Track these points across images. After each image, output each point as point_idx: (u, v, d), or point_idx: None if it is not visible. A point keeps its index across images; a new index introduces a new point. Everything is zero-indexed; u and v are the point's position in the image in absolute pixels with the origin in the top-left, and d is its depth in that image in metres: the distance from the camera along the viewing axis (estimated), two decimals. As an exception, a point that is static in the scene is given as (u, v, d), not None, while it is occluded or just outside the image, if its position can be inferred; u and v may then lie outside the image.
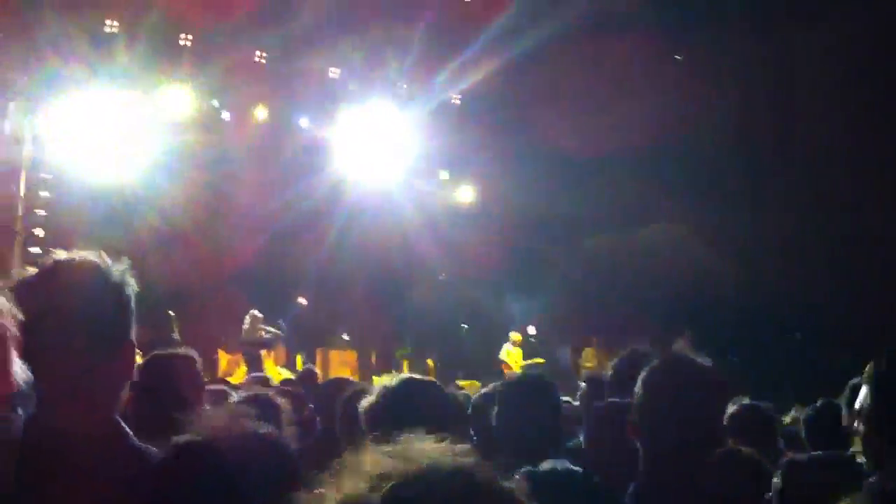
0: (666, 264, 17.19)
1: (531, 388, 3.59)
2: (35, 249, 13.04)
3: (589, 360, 15.87)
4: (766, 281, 15.85)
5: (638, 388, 2.67)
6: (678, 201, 17.91)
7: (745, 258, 16.24)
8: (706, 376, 2.68)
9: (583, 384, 4.93)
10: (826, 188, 15.60)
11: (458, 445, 1.03)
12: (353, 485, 0.97)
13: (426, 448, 1.01)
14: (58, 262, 2.07)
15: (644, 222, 17.97)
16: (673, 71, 17.60)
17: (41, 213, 13.97)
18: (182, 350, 3.82)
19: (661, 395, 2.62)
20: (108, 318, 2.02)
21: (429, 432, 1.07)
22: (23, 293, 1.89)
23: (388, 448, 1.01)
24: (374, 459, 1.00)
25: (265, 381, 7.89)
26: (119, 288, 2.05)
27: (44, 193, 14.12)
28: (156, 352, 3.73)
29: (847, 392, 3.28)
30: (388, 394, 2.99)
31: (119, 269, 2.10)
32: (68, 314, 1.97)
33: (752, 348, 15.24)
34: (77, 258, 2.07)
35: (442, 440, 1.04)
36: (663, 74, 17.38)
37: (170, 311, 13.74)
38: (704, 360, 2.74)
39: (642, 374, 2.69)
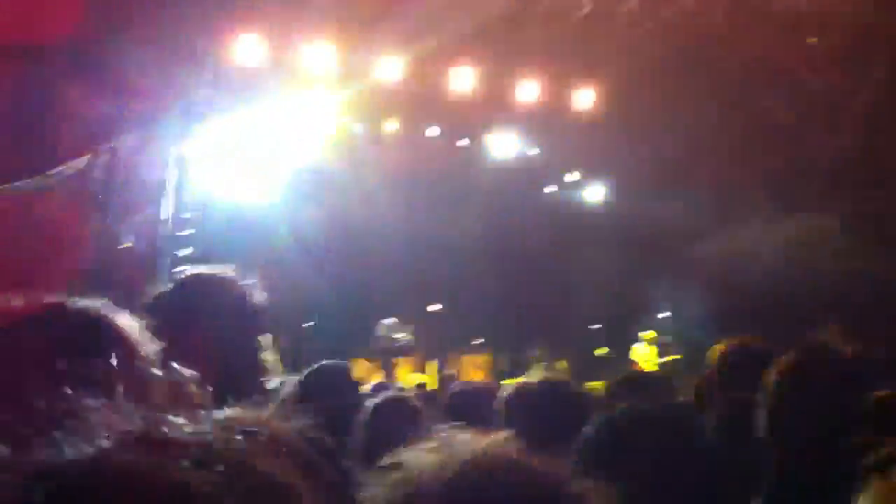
0: (812, 257, 16.59)
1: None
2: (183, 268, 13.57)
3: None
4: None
5: (772, 379, 2.60)
6: (822, 191, 17.31)
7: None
8: (845, 367, 2.61)
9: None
10: None
11: (503, 435, 1.00)
12: (395, 481, 0.97)
13: (468, 441, 0.99)
14: (189, 276, 2.25)
15: (789, 213, 17.38)
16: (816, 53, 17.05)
17: (188, 232, 14.54)
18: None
19: (799, 385, 2.55)
20: (235, 327, 2.17)
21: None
22: (157, 304, 2.07)
23: (431, 443, 1.01)
24: (417, 455, 1.00)
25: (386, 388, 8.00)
26: (245, 298, 2.20)
27: (188, 215, 14.69)
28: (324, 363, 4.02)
29: None
30: (526, 392, 3.00)
31: (247, 281, 2.26)
32: (199, 323, 2.12)
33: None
34: (207, 271, 2.25)
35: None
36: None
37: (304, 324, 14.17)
38: (844, 350, 2.65)
39: (777, 366, 2.62)
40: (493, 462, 0.97)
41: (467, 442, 1.00)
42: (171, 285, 2.25)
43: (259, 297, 2.29)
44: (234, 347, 2.17)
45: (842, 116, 16.83)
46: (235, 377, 2.16)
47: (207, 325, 2.12)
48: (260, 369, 2.26)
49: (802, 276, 16.56)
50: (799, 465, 2.50)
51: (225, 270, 2.32)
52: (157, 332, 2.07)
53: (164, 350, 2.00)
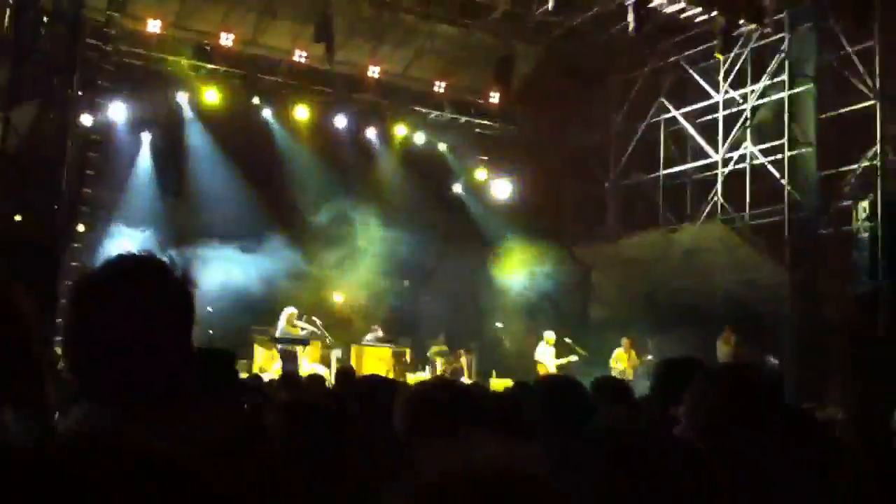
0: (707, 264, 17.04)
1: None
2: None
3: (621, 360, 15.81)
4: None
5: (694, 392, 2.61)
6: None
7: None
8: (770, 380, 2.64)
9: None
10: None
11: (522, 447, 0.97)
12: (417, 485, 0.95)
13: (492, 450, 0.96)
14: (121, 258, 2.09)
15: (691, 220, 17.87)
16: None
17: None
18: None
19: (723, 398, 2.57)
20: (168, 318, 2.02)
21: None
22: (85, 288, 1.93)
23: (450, 449, 0.96)
24: (442, 462, 0.97)
25: (293, 378, 7.90)
26: (182, 286, 2.05)
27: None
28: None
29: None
30: (430, 392, 2.99)
31: (181, 268, 2.11)
32: (128, 311, 1.97)
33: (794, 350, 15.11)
34: (141, 256, 2.09)
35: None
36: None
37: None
38: (768, 362, 2.71)
39: (701, 378, 2.64)
40: (515, 480, 0.94)
41: (491, 451, 0.97)
42: (99, 267, 2.08)
43: (194, 284, 2.15)
44: (168, 340, 2.02)
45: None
46: (168, 372, 2.02)
47: (139, 313, 1.98)
48: (189, 366, 2.11)
49: (697, 282, 17.00)
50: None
51: (157, 255, 2.17)
52: (79, 316, 1.95)
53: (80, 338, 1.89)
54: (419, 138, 18.87)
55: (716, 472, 2.42)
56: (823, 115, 15.79)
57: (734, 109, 17.28)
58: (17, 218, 12.29)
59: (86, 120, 14.76)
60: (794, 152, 16.13)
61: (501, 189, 19.72)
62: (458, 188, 20.03)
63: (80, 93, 13.68)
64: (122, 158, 16.29)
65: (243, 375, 9.53)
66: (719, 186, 17.33)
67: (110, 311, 1.93)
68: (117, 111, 15.78)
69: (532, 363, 15.85)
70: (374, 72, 17.13)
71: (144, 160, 16.68)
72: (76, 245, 14.30)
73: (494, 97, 18.55)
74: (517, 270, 18.26)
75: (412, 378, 14.14)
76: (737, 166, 17.22)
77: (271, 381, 8.33)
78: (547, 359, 15.87)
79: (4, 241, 11.19)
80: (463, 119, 18.86)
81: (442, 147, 19.34)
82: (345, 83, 17.31)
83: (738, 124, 17.12)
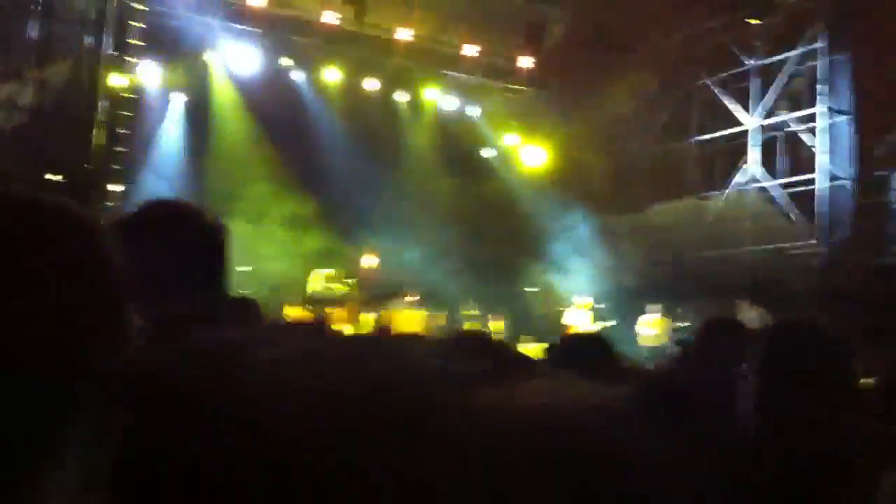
0: (736, 233, 16.92)
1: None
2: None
3: (656, 326, 15.71)
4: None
5: (764, 350, 2.50)
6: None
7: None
8: (833, 341, 2.51)
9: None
10: None
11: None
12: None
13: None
14: (155, 203, 2.09)
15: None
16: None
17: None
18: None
19: (799, 358, 2.44)
20: (198, 256, 2.02)
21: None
22: (121, 230, 1.93)
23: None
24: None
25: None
26: (216, 231, 2.05)
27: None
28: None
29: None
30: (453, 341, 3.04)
31: (213, 214, 2.10)
32: (160, 249, 1.97)
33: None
34: (173, 200, 2.09)
35: None
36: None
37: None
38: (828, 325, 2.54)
39: (771, 336, 2.51)
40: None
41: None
42: (134, 211, 2.07)
43: (225, 231, 2.14)
44: (203, 282, 2.02)
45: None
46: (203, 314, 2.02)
47: (176, 255, 1.97)
48: (221, 305, 2.11)
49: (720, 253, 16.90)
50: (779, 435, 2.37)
51: (188, 202, 2.17)
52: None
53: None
54: (449, 102, 18.80)
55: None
56: (861, 83, 15.52)
57: (769, 77, 17.02)
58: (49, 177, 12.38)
59: (117, 79, 14.79)
60: (829, 121, 15.87)
61: (532, 155, 19.59)
62: (488, 153, 19.92)
63: (111, 52, 13.71)
64: (152, 118, 16.34)
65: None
66: (752, 154, 17.13)
67: (141, 249, 1.93)
68: (148, 70, 15.79)
69: (563, 328, 15.80)
70: (404, 35, 16.99)
71: (175, 120, 16.71)
72: (110, 204, 14.38)
73: (526, 62, 18.38)
74: (548, 236, 18.19)
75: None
76: (770, 134, 17.00)
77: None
78: (580, 323, 15.78)
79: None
80: (494, 84, 18.72)
81: (472, 111, 19.24)
82: (375, 46, 17.21)
83: (772, 91, 16.86)
